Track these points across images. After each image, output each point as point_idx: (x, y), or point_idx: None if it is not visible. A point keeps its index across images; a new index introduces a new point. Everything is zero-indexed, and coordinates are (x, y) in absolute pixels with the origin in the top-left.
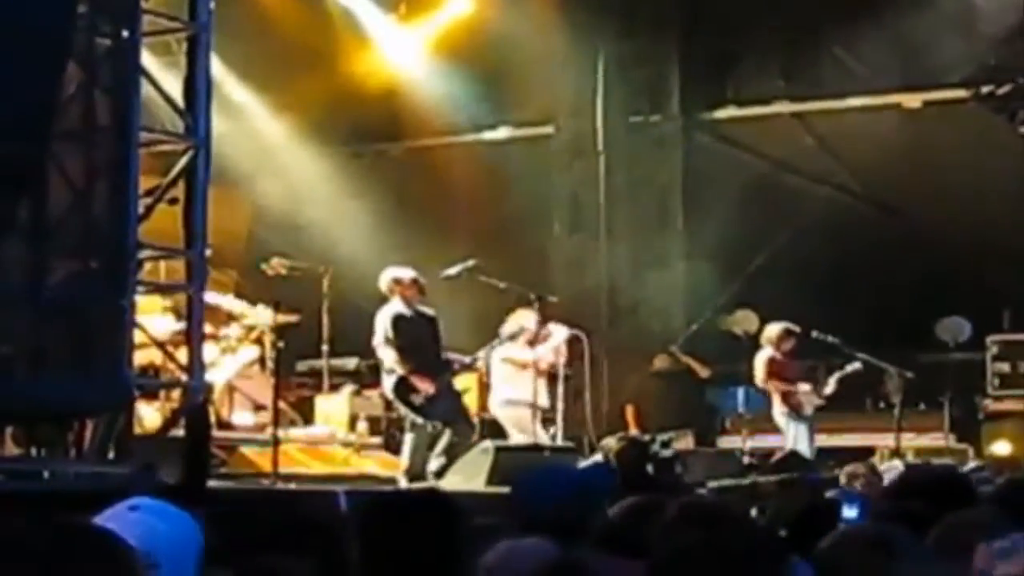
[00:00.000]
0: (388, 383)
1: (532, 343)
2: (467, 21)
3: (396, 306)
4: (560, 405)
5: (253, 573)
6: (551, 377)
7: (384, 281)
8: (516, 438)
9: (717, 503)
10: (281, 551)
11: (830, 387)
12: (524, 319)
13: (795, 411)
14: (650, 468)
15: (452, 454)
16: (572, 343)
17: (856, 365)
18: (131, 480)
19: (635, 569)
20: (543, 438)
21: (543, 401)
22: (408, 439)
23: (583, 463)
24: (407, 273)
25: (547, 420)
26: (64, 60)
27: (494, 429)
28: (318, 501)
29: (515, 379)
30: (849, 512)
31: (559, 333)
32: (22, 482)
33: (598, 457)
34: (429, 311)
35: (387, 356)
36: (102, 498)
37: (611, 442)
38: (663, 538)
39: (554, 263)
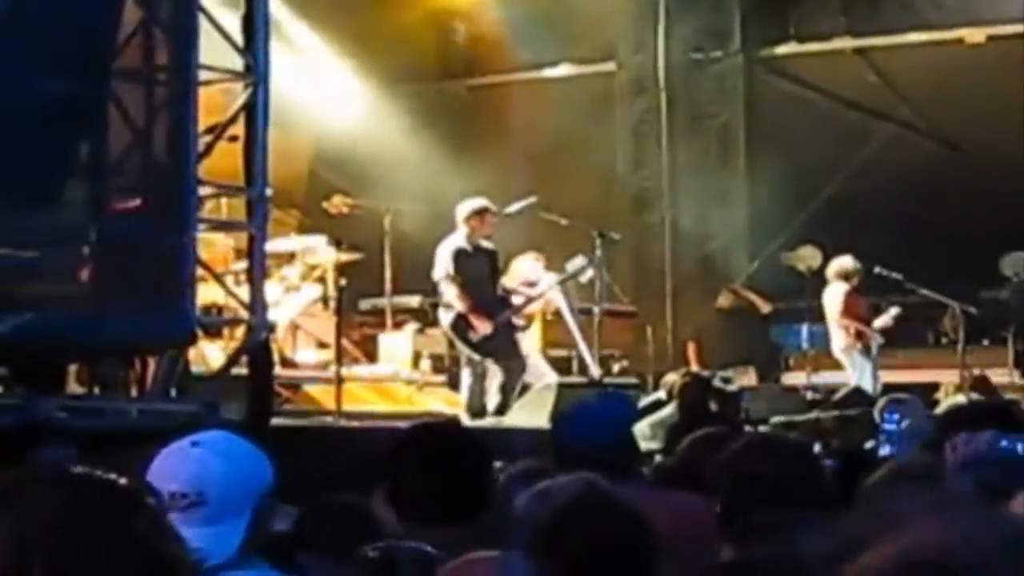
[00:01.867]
0: (446, 318)
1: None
2: None
3: (458, 240)
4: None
5: (320, 508)
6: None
7: (462, 212)
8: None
9: (779, 437)
10: (345, 487)
11: (881, 322)
12: (525, 267)
13: (867, 348)
14: (713, 404)
15: (507, 390)
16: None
17: (897, 310)
18: (194, 417)
19: (695, 502)
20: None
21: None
22: (465, 375)
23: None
24: (485, 205)
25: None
26: None
27: (558, 365)
28: (382, 438)
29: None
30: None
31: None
32: (86, 419)
33: (660, 394)
34: (490, 246)
35: (448, 291)
36: (165, 436)
37: (674, 378)
38: (725, 471)
39: (617, 200)
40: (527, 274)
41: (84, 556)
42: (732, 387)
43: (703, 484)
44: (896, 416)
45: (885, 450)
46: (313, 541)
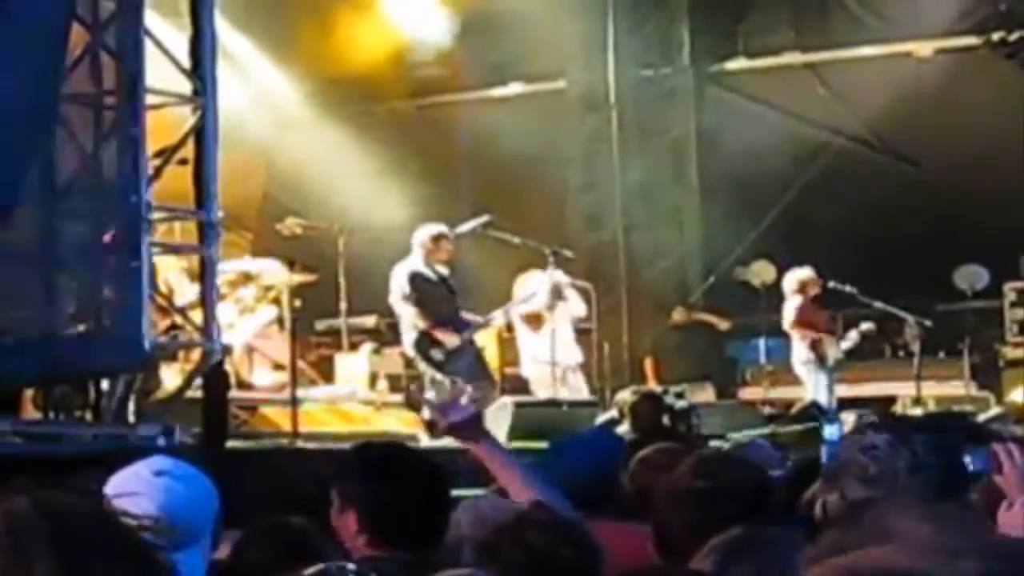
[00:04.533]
0: (408, 339)
1: (549, 305)
2: None
3: (414, 263)
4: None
5: (260, 532)
6: (577, 332)
7: (419, 236)
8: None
9: (728, 455)
10: (299, 509)
11: (850, 341)
12: (536, 282)
13: (821, 359)
14: (666, 420)
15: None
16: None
17: (871, 326)
18: (149, 442)
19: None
20: (564, 395)
21: (573, 357)
22: (428, 396)
23: (599, 419)
24: (442, 231)
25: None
26: (68, 23)
27: (516, 385)
28: (338, 460)
29: (534, 337)
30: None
31: (568, 289)
32: (41, 445)
33: (613, 412)
34: (444, 271)
35: (406, 312)
36: (120, 460)
37: (625, 395)
38: (674, 492)
39: (569, 218)
40: (535, 289)
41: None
42: (683, 403)
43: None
44: (837, 424)
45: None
46: (251, 565)
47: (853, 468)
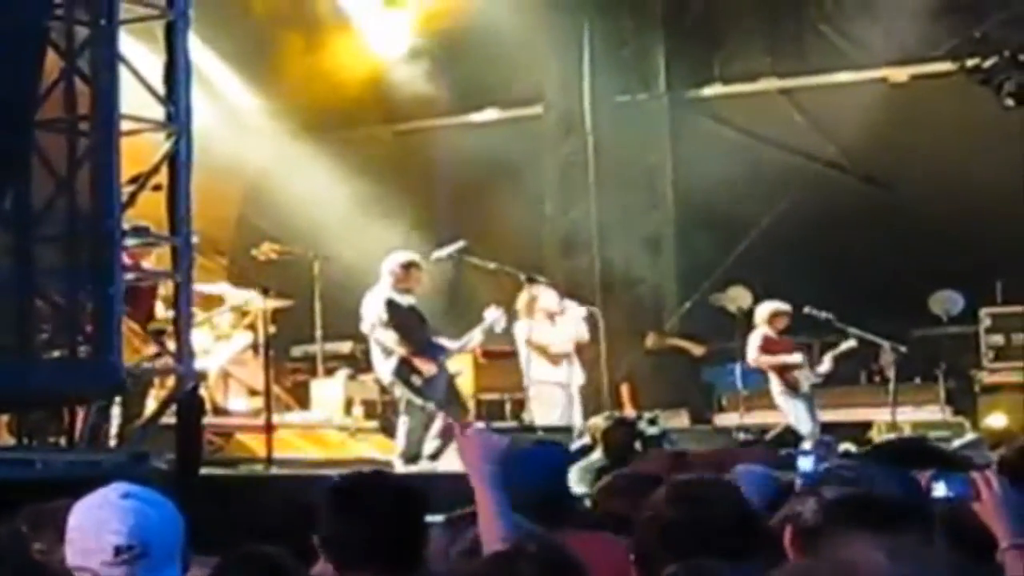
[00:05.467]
0: (387, 366)
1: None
2: (451, 2)
3: (385, 290)
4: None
5: (235, 559)
6: (577, 352)
7: (389, 264)
8: (550, 418)
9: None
10: (273, 536)
11: (825, 365)
12: (540, 296)
13: (792, 388)
14: (638, 446)
15: (446, 436)
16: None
17: (851, 343)
18: (123, 468)
19: (617, 544)
20: (578, 417)
21: (576, 379)
22: (403, 421)
23: (573, 445)
24: (413, 260)
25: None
26: (42, 48)
27: (491, 410)
28: (312, 486)
29: (541, 360)
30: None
31: (574, 311)
32: (14, 470)
33: (586, 439)
34: (412, 300)
35: (386, 338)
36: (94, 486)
37: (598, 421)
38: (650, 518)
39: (546, 243)
40: (549, 305)
41: None
42: (655, 429)
43: (622, 528)
44: (812, 456)
45: None
46: None
47: (830, 479)
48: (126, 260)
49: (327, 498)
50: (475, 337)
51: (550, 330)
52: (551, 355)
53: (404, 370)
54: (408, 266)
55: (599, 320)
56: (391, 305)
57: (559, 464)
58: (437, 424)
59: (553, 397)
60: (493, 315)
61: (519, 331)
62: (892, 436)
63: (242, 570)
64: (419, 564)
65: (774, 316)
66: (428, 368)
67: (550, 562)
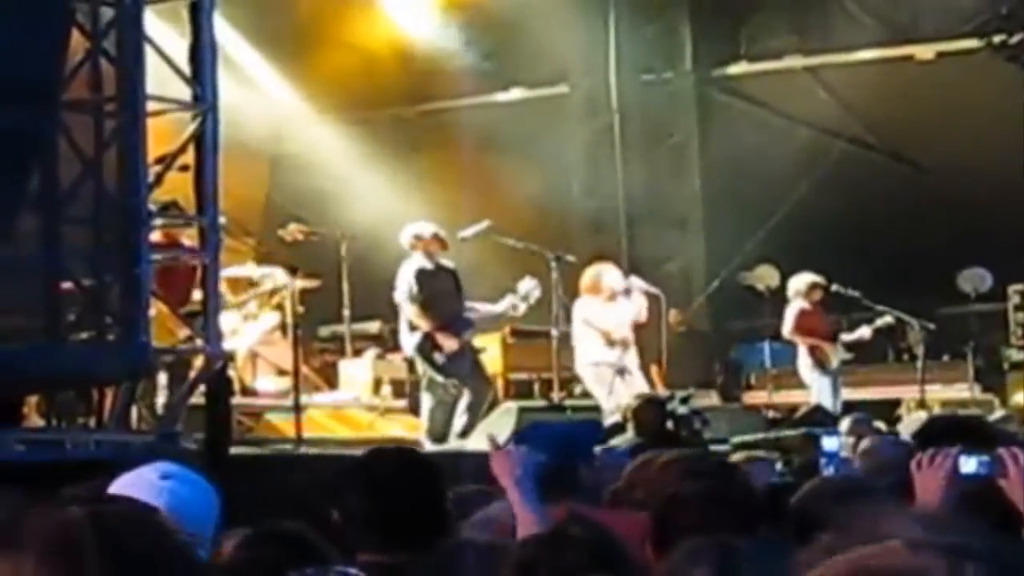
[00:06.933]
0: (411, 340)
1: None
2: None
3: (418, 260)
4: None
5: (259, 535)
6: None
7: (406, 237)
8: (603, 399)
9: (705, 457)
10: (302, 515)
11: (860, 333)
12: (606, 274)
13: (820, 364)
14: (670, 425)
15: (474, 411)
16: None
17: (888, 319)
18: (153, 448)
19: (638, 521)
20: (623, 397)
21: (632, 362)
22: (426, 399)
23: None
24: (428, 228)
25: (565, 381)
26: (68, 29)
27: (520, 389)
28: (341, 465)
29: (598, 341)
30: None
31: (637, 288)
32: (44, 452)
33: (617, 416)
34: (449, 264)
35: (410, 312)
36: (124, 467)
37: (629, 400)
38: (655, 491)
39: (573, 223)
40: (613, 284)
41: None
42: (685, 408)
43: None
44: (836, 437)
45: (829, 470)
46: (249, 569)
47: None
48: (161, 238)
49: (349, 475)
50: (509, 304)
51: (610, 312)
52: (610, 339)
53: (427, 346)
54: (424, 235)
55: (663, 303)
56: (421, 275)
57: (586, 440)
58: (464, 400)
59: (606, 378)
60: (527, 285)
61: (579, 309)
62: (946, 412)
63: (267, 544)
64: (440, 540)
65: (811, 288)
66: (450, 344)
67: (596, 543)
